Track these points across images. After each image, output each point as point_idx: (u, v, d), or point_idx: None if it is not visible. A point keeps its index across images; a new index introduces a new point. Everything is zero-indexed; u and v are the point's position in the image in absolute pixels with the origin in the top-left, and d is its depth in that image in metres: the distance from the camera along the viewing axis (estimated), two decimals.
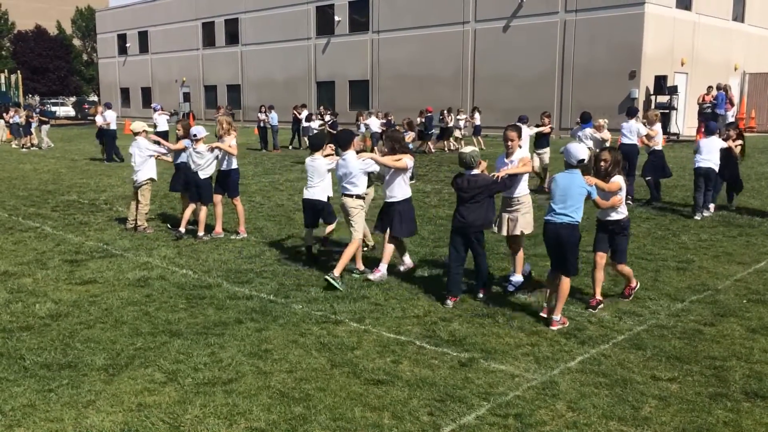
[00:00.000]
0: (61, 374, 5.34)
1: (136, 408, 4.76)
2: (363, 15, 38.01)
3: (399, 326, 6.40)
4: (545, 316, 6.45)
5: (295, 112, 26.56)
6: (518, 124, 8.41)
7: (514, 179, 7.37)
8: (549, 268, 6.76)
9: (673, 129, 28.36)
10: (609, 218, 6.89)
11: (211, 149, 10.06)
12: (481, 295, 7.16)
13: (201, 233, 10.21)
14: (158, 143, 11.44)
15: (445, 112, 25.39)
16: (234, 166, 10.34)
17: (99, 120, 22.26)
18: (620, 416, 4.61)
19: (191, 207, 10.40)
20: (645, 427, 4.48)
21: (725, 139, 12.03)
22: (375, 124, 20.99)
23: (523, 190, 7.57)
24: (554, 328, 6.25)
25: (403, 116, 25.16)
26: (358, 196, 7.98)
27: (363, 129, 21.28)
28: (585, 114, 14.79)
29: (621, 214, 6.89)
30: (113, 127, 21.96)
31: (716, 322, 6.42)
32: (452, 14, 33.66)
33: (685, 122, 29.58)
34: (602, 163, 6.85)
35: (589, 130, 14.19)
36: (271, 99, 37.55)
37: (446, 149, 25.35)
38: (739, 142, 12.04)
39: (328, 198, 8.83)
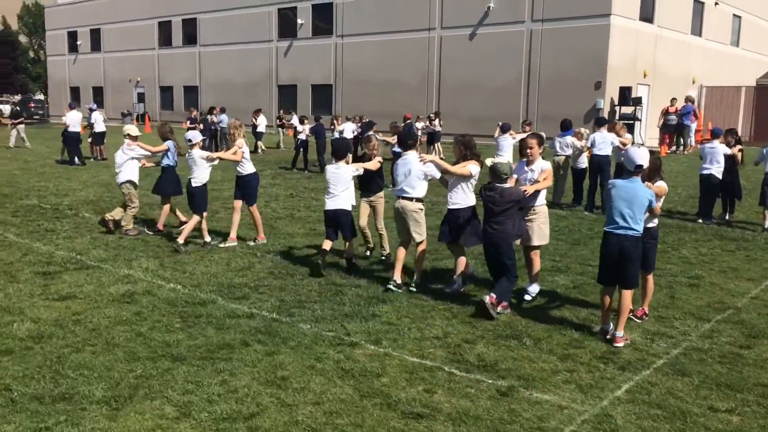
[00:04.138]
0: (56, 408, 4.70)
1: None
2: (327, 18, 37.45)
3: (421, 349, 5.95)
4: (609, 337, 6.13)
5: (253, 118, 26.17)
6: (540, 133, 8.17)
7: (537, 192, 7.18)
8: (600, 285, 6.41)
9: (637, 140, 28.70)
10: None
11: (210, 159, 9.67)
12: (499, 309, 6.80)
13: (207, 239, 9.83)
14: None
15: (432, 116, 25.09)
16: (247, 171, 9.84)
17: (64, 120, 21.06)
18: None
19: (167, 208, 10.68)
20: None
21: (728, 146, 12.06)
22: (350, 129, 20.43)
23: (540, 200, 7.37)
24: (619, 344, 5.99)
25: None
26: (418, 200, 7.68)
27: (337, 135, 20.71)
28: (566, 121, 14.61)
29: (654, 221, 6.62)
30: (75, 129, 20.73)
31: (751, 344, 6.17)
32: (418, 20, 33.40)
33: (647, 133, 29.96)
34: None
35: (569, 138, 14.05)
36: (230, 102, 36.68)
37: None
38: (739, 147, 12.10)
39: (352, 207, 8.49)
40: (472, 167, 7.47)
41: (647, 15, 29.96)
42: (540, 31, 29.77)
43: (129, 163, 10.56)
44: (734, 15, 36.07)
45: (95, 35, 51.92)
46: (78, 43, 53.37)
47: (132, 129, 10.74)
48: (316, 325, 6.50)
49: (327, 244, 8.44)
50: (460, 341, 6.15)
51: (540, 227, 7.36)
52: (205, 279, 8.11)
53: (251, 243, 9.98)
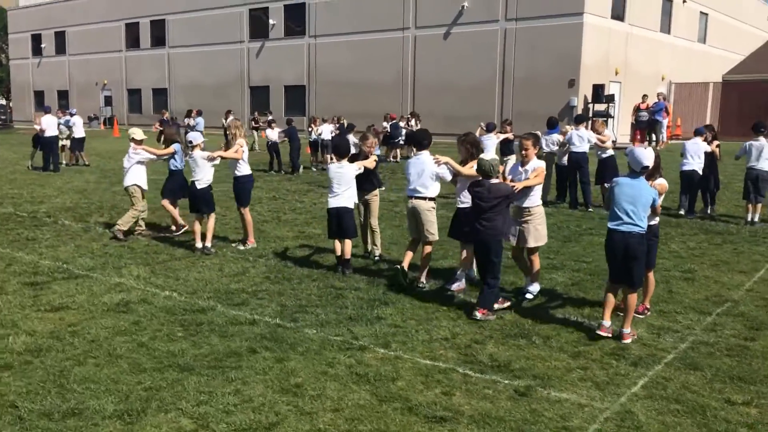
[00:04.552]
0: (67, 425, 4.54)
1: None
2: (299, 19, 37.22)
3: (432, 351, 5.90)
4: (603, 334, 6.09)
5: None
6: (536, 132, 8.20)
7: (527, 189, 7.15)
8: (607, 281, 6.44)
9: (611, 137, 29.01)
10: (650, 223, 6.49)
11: (211, 158, 9.48)
12: (478, 315, 6.66)
13: (199, 245, 9.54)
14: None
15: (409, 116, 25.10)
16: (243, 172, 9.71)
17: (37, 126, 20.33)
18: None
19: (176, 211, 10.65)
20: None
21: (706, 141, 12.39)
22: (327, 131, 20.27)
23: (535, 201, 7.38)
24: (627, 341, 6.02)
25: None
26: (431, 199, 7.72)
27: (314, 137, 20.55)
28: (552, 119, 14.76)
29: (656, 219, 6.66)
30: (52, 133, 20.03)
31: (755, 336, 6.24)
32: (392, 20, 33.39)
33: (620, 130, 30.33)
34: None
35: (556, 136, 14.18)
36: (200, 104, 36.22)
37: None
38: (717, 143, 12.46)
39: (355, 205, 8.57)
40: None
41: (618, 13, 30.36)
42: (514, 30, 29.98)
43: (135, 167, 10.49)
44: (701, 12, 36.78)
45: (60, 38, 50.89)
46: (42, 46, 52.26)
47: (137, 133, 10.61)
48: (322, 330, 6.41)
49: (338, 249, 8.51)
50: (470, 342, 6.11)
51: (536, 228, 7.34)
52: (200, 285, 7.96)
53: (241, 247, 9.84)
